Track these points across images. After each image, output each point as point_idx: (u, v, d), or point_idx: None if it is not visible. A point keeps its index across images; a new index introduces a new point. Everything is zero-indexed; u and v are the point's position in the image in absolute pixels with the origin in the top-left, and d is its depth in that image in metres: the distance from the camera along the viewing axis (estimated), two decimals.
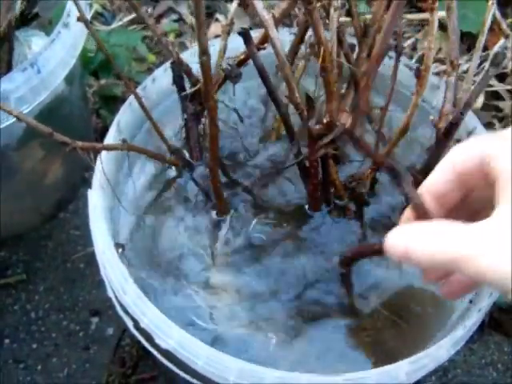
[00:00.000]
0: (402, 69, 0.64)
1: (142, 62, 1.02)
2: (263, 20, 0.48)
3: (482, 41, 0.53)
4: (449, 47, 0.52)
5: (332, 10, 0.57)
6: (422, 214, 0.43)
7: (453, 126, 0.52)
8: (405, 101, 0.63)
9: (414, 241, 0.40)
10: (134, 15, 1.10)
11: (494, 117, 1.01)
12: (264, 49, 0.55)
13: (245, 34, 0.51)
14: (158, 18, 1.11)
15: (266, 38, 0.55)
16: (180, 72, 0.58)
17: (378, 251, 0.48)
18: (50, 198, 0.89)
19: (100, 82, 0.99)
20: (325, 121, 0.49)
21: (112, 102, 0.96)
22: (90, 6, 1.07)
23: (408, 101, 0.58)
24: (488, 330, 0.81)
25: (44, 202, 0.88)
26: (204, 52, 0.48)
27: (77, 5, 0.54)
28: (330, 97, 0.48)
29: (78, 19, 0.53)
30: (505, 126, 1.00)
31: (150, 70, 1.01)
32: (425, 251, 0.39)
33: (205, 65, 0.49)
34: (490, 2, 0.52)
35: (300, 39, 0.61)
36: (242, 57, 0.58)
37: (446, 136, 0.53)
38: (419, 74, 0.52)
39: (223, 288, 0.59)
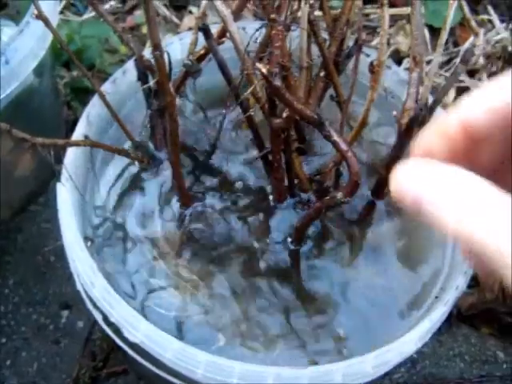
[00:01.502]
0: None
1: (114, 54, 1.01)
2: (222, 15, 0.48)
3: (443, 38, 0.53)
4: (412, 43, 0.52)
5: (303, 4, 0.58)
6: None
7: (414, 121, 0.52)
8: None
9: (434, 194, 0.28)
10: (106, 6, 1.10)
11: None
12: (223, 43, 0.55)
13: (205, 30, 0.51)
14: (131, 10, 1.10)
15: (224, 33, 0.55)
16: (143, 67, 0.58)
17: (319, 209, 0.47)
18: (20, 190, 0.88)
19: (71, 73, 0.98)
20: (285, 115, 0.49)
21: (84, 94, 0.95)
22: None
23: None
24: (456, 322, 0.82)
25: (14, 195, 0.87)
26: (156, 47, 0.47)
27: (35, 3, 0.52)
28: (289, 90, 0.47)
29: (37, 17, 0.52)
30: None
31: (122, 62, 1.00)
32: (448, 219, 0.27)
33: (158, 60, 0.48)
34: (450, 1, 0.52)
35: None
36: (202, 52, 0.58)
37: (408, 132, 0.53)
38: (373, 70, 0.53)
39: (185, 279, 0.59)
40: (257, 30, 0.49)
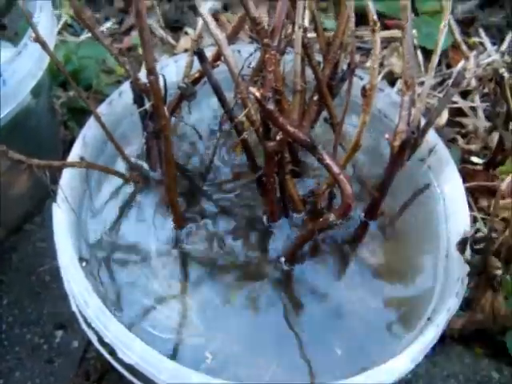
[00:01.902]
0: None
1: (111, 74, 1.02)
2: (216, 39, 0.49)
3: (434, 62, 0.54)
4: (404, 67, 0.53)
5: (296, 28, 0.59)
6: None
7: (406, 144, 0.53)
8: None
9: None
10: (103, 27, 1.11)
11: (457, 133, 1.03)
12: (217, 66, 0.56)
13: (200, 54, 0.52)
14: (128, 31, 1.11)
15: (219, 56, 0.56)
16: (139, 90, 0.59)
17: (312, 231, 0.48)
18: (16, 210, 0.88)
19: (68, 93, 0.99)
20: (278, 138, 0.50)
21: (80, 114, 0.95)
22: (59, 16, 1.07)
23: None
24: (449, 343, 0.82)
25: (9, 215, 0.87)
26: (151, 72, 0.48)
27: (32, 27, 0.53)
28: (283, 113, 0.48)
29: (35, 40, 0.53)
30: (468, 143, 1.03)
31: (118, 83, 1.01)
32: None
33: (153, 85, 0.49)
34: (441, 25, 0.53)
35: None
36: (197, 75, 0.59)
37: (400, 154, 0.54)
38: (365, 94, 0.53)
39: (179, 300, 0.60)
40: (250, 54, 0.50)
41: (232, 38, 0.55)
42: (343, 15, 0.59)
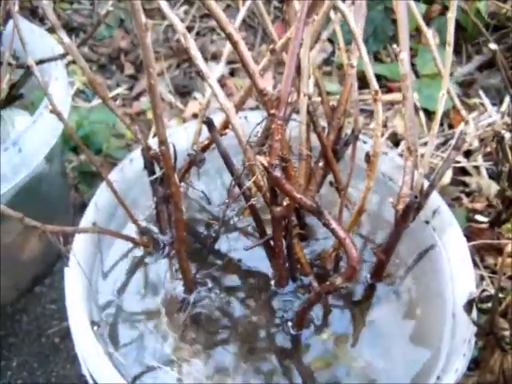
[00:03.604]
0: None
1: (121, 138, 1.05)
2: (224, 107, 0.51)
3: (435, 128, 0.56)
4: (406, 133, 0.55)
5: (302, 95, 0.61)
6: None
7: (409, 208, 0.55)
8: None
9: None
10: (114, 93, 1.14)
11: (461, 192, 1.05)
12: (225, 134, 0.58)
13: (209, 123, 0.55)
14: (137, 96, 1.14)
15: (227, 124, 0.58)
16: (150, 157, 0.61)
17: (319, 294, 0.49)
18: (27, 273, 0.90)
19: (79, 157, 1.01)
20: (285, 203, 0.51)
21: (91, 177, 0.98)
22: (72, 83, 1.11)
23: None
24: None
25: (20, 277, 0.89)
26: (163, 142, 0.50)
27: (49, 98, 0.56)
28: (289, 180, 0.50)
29: (52, 112, 0.56)
30: (472, 201, 1.04)
31: (128, 146, 1.04)
32: None
33: (164, 155, 0.51)
34: (440, 94, 0.55)
35: None
36: (206, 142, 0.61)
37: (404, 218, 0.55)
38: (368, 160, 0.55)
39: (187, 363, 0.60)
40: (258, 124, 0.52)
41: (239, 107, 0.57)
42: (346, 83, 0.61)
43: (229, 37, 0.46)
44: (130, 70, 1.19)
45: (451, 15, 0.52)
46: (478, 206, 1.03)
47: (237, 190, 0.56)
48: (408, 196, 0.55)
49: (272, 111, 0.47)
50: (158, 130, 0.48)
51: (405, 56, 0.54)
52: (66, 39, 0.54)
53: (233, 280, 0.65)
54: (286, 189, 0.46)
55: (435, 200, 0.68)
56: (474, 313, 0.60)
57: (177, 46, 1.20)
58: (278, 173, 0.46)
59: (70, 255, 0.61)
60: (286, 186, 0.46)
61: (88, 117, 1.05)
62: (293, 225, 0.57)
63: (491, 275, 0.94)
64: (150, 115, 1.10)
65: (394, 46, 0.56)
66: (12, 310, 0.89)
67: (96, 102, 1.11)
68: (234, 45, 0.46)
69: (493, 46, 0.77)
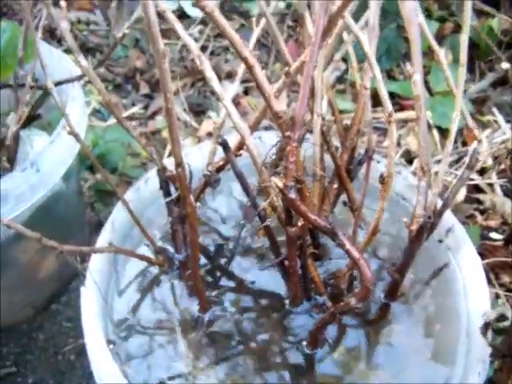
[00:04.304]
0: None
1: (136, 157, 1.06)
2: (239, 129, 0.52)
3: (449, 147, 0.56)
4: (420, 153, 0.55)
5: (315, 116, 0.62)
6: None
7: (423, 229, 0.55)
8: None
9: None
10: (129, 112, 1.16)
11: (475, 209, 1.05)
12: (240, 155, 0.59)
13: (224, 145, 0.55)
14: (153, 115, 1.16)
15: (242, 146, 0.59)
16: (165, 178, 0.62)
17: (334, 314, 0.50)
18: (44, 291, 0.90)
19: (95, 176, 1.02)
20: (300, 224, 0.52)
21: (107, 196, 0.99)
22: (88, 103, 1.12)
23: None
24: None
25: (37, 295, 0.90)
26: (179, 165, 0.51)
27: (66, 119, 0.57)
28: (304, 201, 0.50)
29: (69, 133, 0.57)
30: (486, 219, 1.04)
31: (144, 165, 1.05)
32: None
33: (181, 177, 0.52)
34: (454, 115, 0.56)
35: None
36: (221, 163, 0.62)
37: (418, 238, 0.56)
38: (383, 181, 0.56)
39: (201, 381, 0.61)
40: (273, 146, 0.53)
41: (254, 129, 0.58)
42: (360, 104, 0.62)
43: (244, 61, 0.47)
44: (145, 89, 1.21)
45: (464, 37, 0.53)
46: (493, 223, 1.03)
47: (251, 209, 0.57)
48: (422, 216, 0.55)
49: (287, 133, 0.48)
50: (175, 153, 0.49)
51: (418, 77, 0.54)
52: (84, 62, 0.55)
53: (247, 300, 0.66)
54: (301, 210, 0.47)
55: (449, 219, 0.68)
56: (489, 333, 0.60)
57: (192, 65, 1.22)
58: (293, 194, 0.47)
59: (86, 274, 0.62)
60: (302, 207, 0.47)
61: (104, 136, 1.06)
62: (307, 244, 0.58)
63: (507, 293, 0.94)
64: (165, 134, 1.11)
65: (408, 65, 0.57)
66: (28, 327, 0.90)
67: (112, 121, 1.12)
68: (250, 68, 0.47)
69: (505, 65, 0.78)
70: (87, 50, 1.27)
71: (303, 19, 0.61)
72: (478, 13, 1.30)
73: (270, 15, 0.61)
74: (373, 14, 0.62)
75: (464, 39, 0.53)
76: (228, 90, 0.64)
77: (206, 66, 0.54)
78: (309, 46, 0.49)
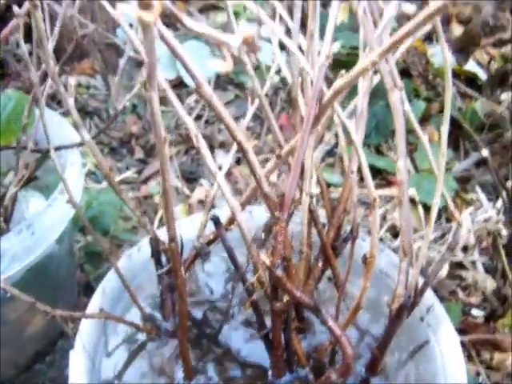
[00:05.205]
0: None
1: (128, 221, 1.08)
2: (231, 206, 0.55)
3: (431, 227, 0.60)
4: (402, 235, 0.58)
5: (304, 195, 0.65)
6: None
7: (403, 307, 0.57)
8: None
9: None
10: (123, 176, 1.19)
11: (458, 285, 1.07)
12: (231, 230, 0.62)
13: (215, 221, 0.58)
14: (146, 180, 1.19)
15: (233, 221, 0.62)
16: (157, 247, 0.64)
17: None
18: (29, 349, 0.91)
19: (87, 237, 1.04)
20: (285, 299, 0.54)
21: (97, 258, 1.01)
22: (84, 164, 1.15)
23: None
24: None
25: (21, 354, 0.90)
26: (172, 239, 0.54)
27: (64, 183, 0.60)
28: (290, 278, 0.53)
29: (67, 202, 0.59)
30: (468, 295, 1.06)
31: (134, 229, 1.07)
32: None
33: (173, 251, 0.54)
34: (434, 201, 0.59)
35: None
36: (212, 237, 0.64)
37: (398, 317, 0.58)
38: (365, 261, 0.58)
39: None
40: (262, 226, 0.56)
41: (245, 206, 0.61)
42: (346, 186, 0.65)
43: (239, 145, 0.50)
44: (139, 153, 1.24)
45: (444, 129, 0.56)
46: (474, 300, 1.06)
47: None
48: (402, 296, 0.58)
49: (276, 214, 0.51)
50: (169, 227, 0.52)
51: (401, 164, 0.58)
52: (87, 137, 0.58)
53: (232, 369, 0.67)
54: (287, 287, 0.49)
55: (429, 297, 0.70)
56: None
57: (186, 132, 1.25)
58: (279, 272, 0.49)
59: (75, 336, 0.63)
60: (287, 285, 0.49)
61: (98, 198, 1.08)
62: (292, 318, 0.60)
63: (487, 370, 0.95)
64: (157, 199, 1.14)
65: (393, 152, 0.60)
66: None
67: (106, 183, 1.15)
68: (244, 153, 0.50)
69: (485, 152, 0.82)
70: (86, 113, 1.31)
71: (296, 102, 0.65)
72: (463, 95, 1.37)
73: (263, 95, 0.64)
74: (361, 99, 0.66)
75: (444, 132, 0.57)
76: (221, 162, 0.67)
77: (202, 144, 0.57)
78: (300, 132, 0.52)
